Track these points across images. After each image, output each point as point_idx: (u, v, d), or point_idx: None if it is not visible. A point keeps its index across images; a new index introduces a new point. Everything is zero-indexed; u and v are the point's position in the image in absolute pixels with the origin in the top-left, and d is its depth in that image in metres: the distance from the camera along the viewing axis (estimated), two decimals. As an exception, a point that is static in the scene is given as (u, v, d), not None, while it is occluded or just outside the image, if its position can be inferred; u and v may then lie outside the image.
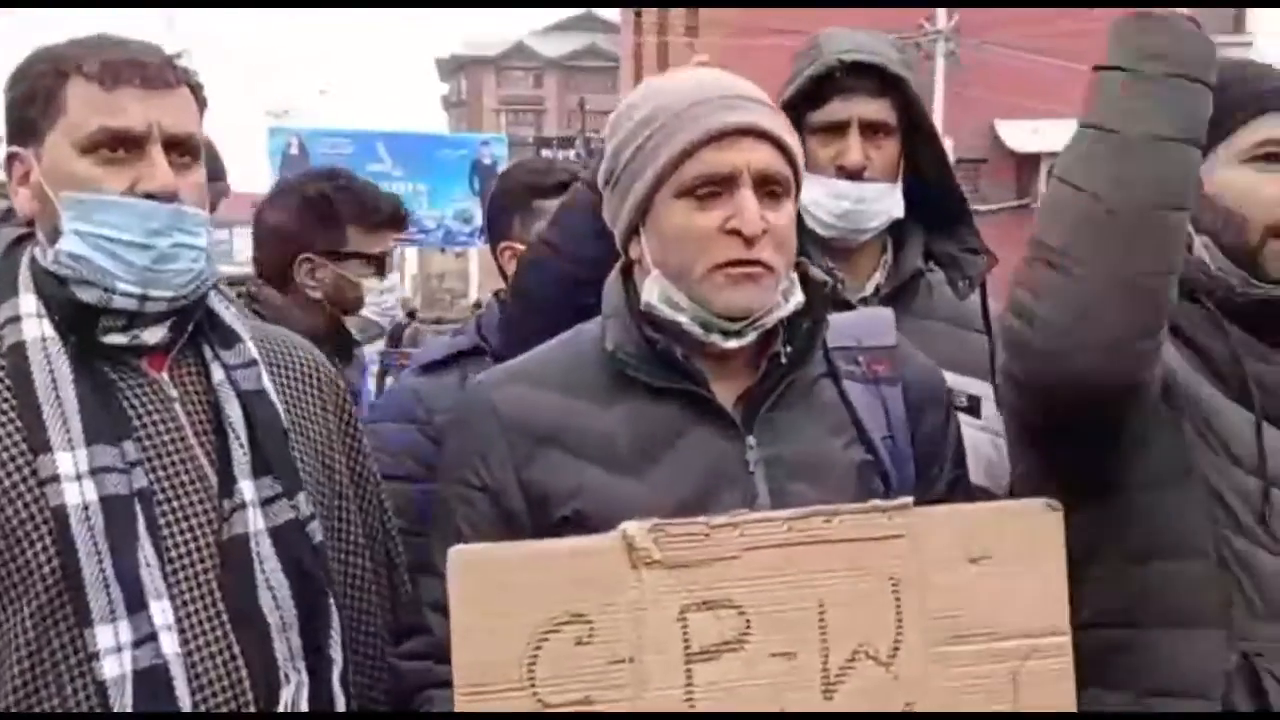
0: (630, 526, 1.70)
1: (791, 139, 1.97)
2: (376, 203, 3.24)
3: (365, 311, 3.18)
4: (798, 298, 1.98)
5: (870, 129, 2.65)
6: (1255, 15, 20.63)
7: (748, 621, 1.69)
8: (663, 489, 1.88)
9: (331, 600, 1.99)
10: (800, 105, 2.67)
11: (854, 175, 2.63)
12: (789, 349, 1.99)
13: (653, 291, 1.96)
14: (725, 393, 1.97)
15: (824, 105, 2.65)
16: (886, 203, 2.66)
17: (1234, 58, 2.33)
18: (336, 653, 1.98)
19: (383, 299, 3.21)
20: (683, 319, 1.94)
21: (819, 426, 1.99)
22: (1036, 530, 1.79)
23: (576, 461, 1.93)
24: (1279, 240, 2.14)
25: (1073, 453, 2.07)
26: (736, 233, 1.90)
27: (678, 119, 1.93)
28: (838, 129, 2.65)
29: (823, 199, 2.65)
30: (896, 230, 2.72)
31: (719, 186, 1.92)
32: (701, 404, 1.95)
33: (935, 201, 2.71)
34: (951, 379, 2.54)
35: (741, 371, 1.99)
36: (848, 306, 2.58)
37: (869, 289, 2.70)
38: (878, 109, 2.65)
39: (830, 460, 1.97)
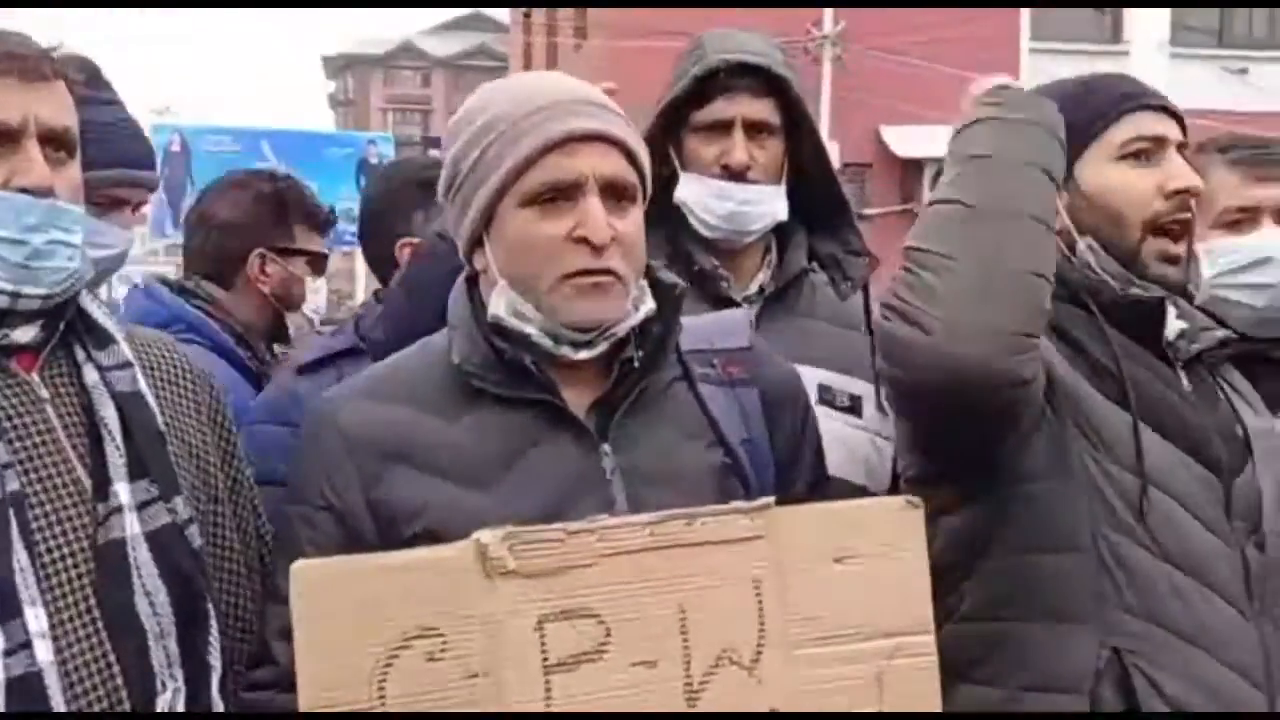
0: (484, 535, 1.65)
1: (638, 144, 1.95)
2: (318, 203, 3.34)
3: (304, 309, 3.25)
4: (648, 304, 1.95)
5: (754, 129, 2.64)
6: (1131, 25, 21.13)
7: (607, 630, 1.66)
8: (514, 501, 1.84)
9: (210, 606, 1.93)
10: (684, 105, 2.66)
11: (738, 175, 2.63)
12: (641, 354, 1.95)
13: (499, 304, 1.91)
14: (578, 401, 1.94)
15: (708, 104, 2.65)
16: (771, 204, 2.66)
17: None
18: (215, 660, 1.92)
19: (316, 298, 3.28)
20: (531, 330, 1.90)
21: (675, 431, 1.96)
22: (898, 527, 1.78)
23: (425, 477, 1.88)
24: (1157, 238, 2.18)
25: (961, 451, 2.07)
26: (584, 241, 1.87)
27: (520, 125, 1.89)
28: (721, 128, 2.64)
29: (707, 199, 2.65)
30: (780, 231, 2.72)
31: (564, 194, 1.88)
32: (553, 413, 1.92)
33: (818, 203, 2.72)
34: (833, 379, 2.56)
35: (594, 378, 1.95)
36: (732, 305, 2.58)
37: (753, 289, 2.69)
38: (761, 109, 2.65)
39: (688, 465, 1.94)
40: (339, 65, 71.97)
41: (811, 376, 2.49)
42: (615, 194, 1.90)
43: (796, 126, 2.69)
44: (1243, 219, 2.63)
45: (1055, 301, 2.17)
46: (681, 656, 1.69)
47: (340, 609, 1.62)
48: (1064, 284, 2.18)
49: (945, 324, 1.92)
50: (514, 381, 1.91)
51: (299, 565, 1.64)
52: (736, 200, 2.64)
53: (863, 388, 2.59)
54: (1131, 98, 2.24)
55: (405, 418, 1.91)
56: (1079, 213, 2.21)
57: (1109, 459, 2.08)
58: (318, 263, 3.29)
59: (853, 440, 2.58)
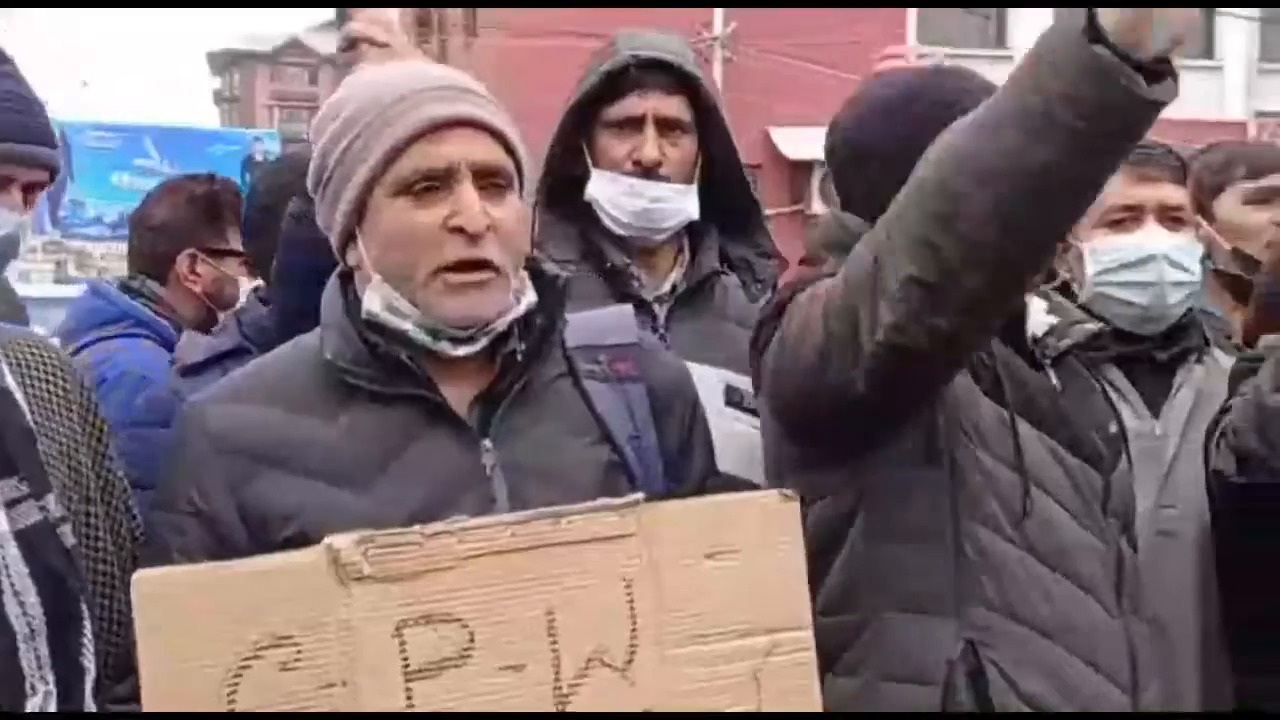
0: (336, 540, 1.57)
1: (511, 129, 1.90)
2: None
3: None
4: (530, 297, 1.91)
5: (666, 126, 2.62)
6: (1015, 31, 21.50)
7: (471, 635, 1.59)
8: (391, 501, 1.78)
9: (84, 607, 1.85)
10: (595, 101, 2.64)
11: (649, 171, 2.60)
12: (523, 347, 1.90)
13: (374, 300, 1.85)
14: (458, 396, 1.88)
15: (619, 101, 2.62)
16: (683, 202, 2.64)
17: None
18: (89, 662, 1.84)
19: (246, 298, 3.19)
20: (408, 326, 1.85)
21: (559, 427, 1.92)
22: (774, 521, 1.74)
23: (298, 479, 1.81)
24: None
25: (837, 435, 2.05)
26: (460, 230, 1.81)
27: (385, 114, 1.83)
28: (633, 124, 2.62)
29: (618, 196, 2.62)
30: (693, 231, 2.71)
31: (437, 182, 1.82)
32: (432, 409, 1.86)
33: (729, 204, 2.71)
34: (740, 380, 2.53)
35: (474, 373, 1.90)
36: (644, 304, 2.54)
37: (665, 288, 2.67)
38: (673, 106, 2.63)
39: (572, 461, 1.90)
40: (225, 61, 70.89)
41: (719, 378, 2.51)
42: (489, 180, 1.85)
43: (708, 127, 2.68)
44: (1126, 218, 2.66)
45: None
46: (550, 659, 1.63)
47: (185, 620, 1.54)
48: None
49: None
50: (390, 377, 1.85)
51: (138, 576, 1.56)
52: (648, 197, 2.62)
53: None
54: (955, 103, 2.22)
55: (276, 418, 1.85)
56: None
57: (986, 452, 2.06)
58: (250, 264, 3.26)
59: (757, 442, 2.55)
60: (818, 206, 19.29)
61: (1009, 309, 1.96)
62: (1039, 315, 2.22)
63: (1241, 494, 2.19)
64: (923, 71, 2.34)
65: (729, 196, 2.72)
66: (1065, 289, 2.68)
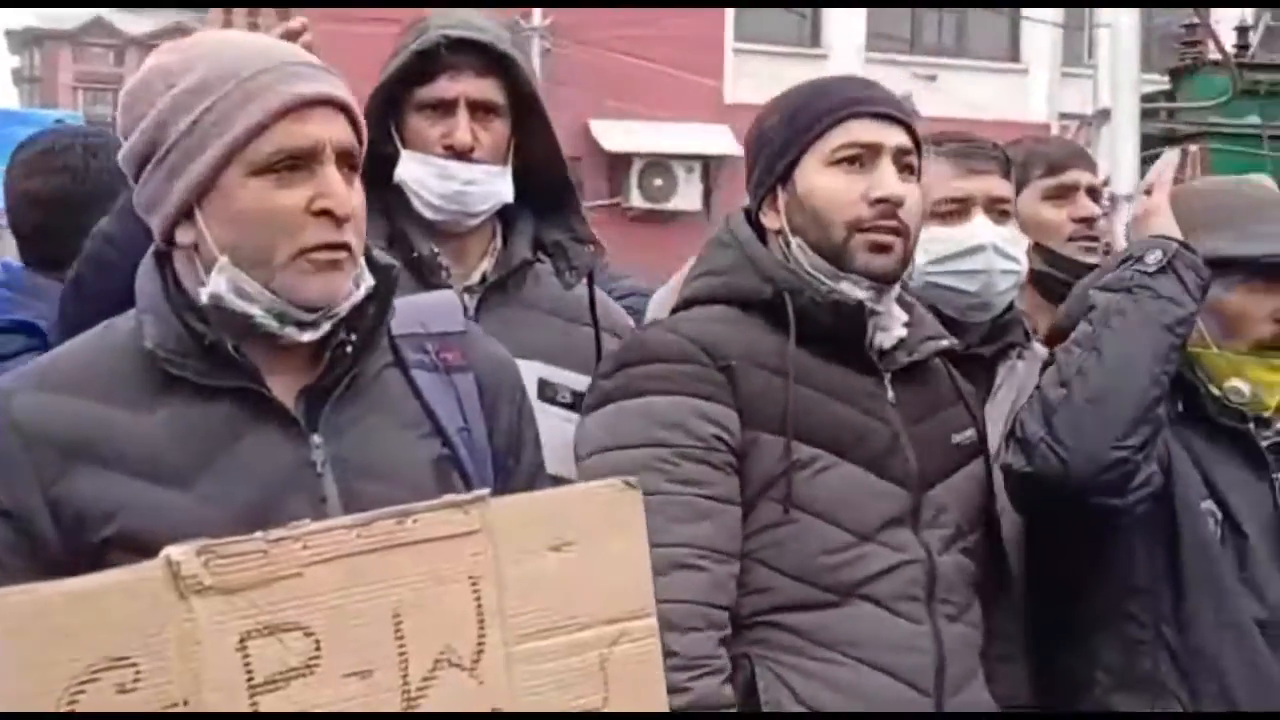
0: (175, 551, 1.50)
1: (359, 112, 1.84)
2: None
3: None
4: (368, 282, 1.84)
5: (479, 108, 2.55)
6: (829, 30, 21.90)
7: (317, 643, 1.55)
8: (217, 499, 1.71)
9: None
10: (405, 82, 2.54)
11: (462, 155, 2.52)
12: (354, 337, 1.84)
13: (219, 281, 1.76)
14: (284, 388, 1.81)
15: (430, 82, 2.53)
16: (496, 185, 2.56)
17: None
18: None
19: None
20: (255, 311, 1.76)
21: (389, 420, 1.87)
22: (617, 510, 1.74)
23: (115, 476, 1.71)
24: (862, 234, 2.22)
25: None
26: (325, 213, 1.75)
27: (247, 87, 1.74)
28: (445, 107, 2.54)
29: (429, 179, 2.53)
30: (505, 217, 2.63)
31: (300, 163, 1.75)
32: (258, 402, 1.78)
33: (545, 189, 2.64)
34: (554, 373, 2.49)
35: (302, 364, 1.83)
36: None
37: (474, 277, 2.59)
38: (486, 88, 2.55)
39: (404, 456, 1.85)
40: (24, 40, 67.98)
41: (532, 370, 2.43)
42: (346, 163, 1.80)
43: (523, 109, 2.61)
44: (955, 209, 2.72)
45: (751, 315, 2.19)
46: (398, 663, 1.60)
47: (7, 650, 1.43)
48: (770, 281, 2.22)
49: None
50: (214, 368, 1.77)
51: None
52: (461, 180, 2.53)
53: (584, 383, 2.53)
54: (853, 103, 2.27)
55: (89, 410, 1.74)
56: (794, 214, 2.25)
57: (763, 485, 2.13)
58: None
59: (571, 437, 2.53)
60: (636, 199, 19.38)
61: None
62: (894, 326, 2.27)
63: (1031, 486, 2.25)
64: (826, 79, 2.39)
65: (544, 181, 2.64)
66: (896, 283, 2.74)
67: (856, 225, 2.22)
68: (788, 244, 2.26)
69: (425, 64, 2.53)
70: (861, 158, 2.23)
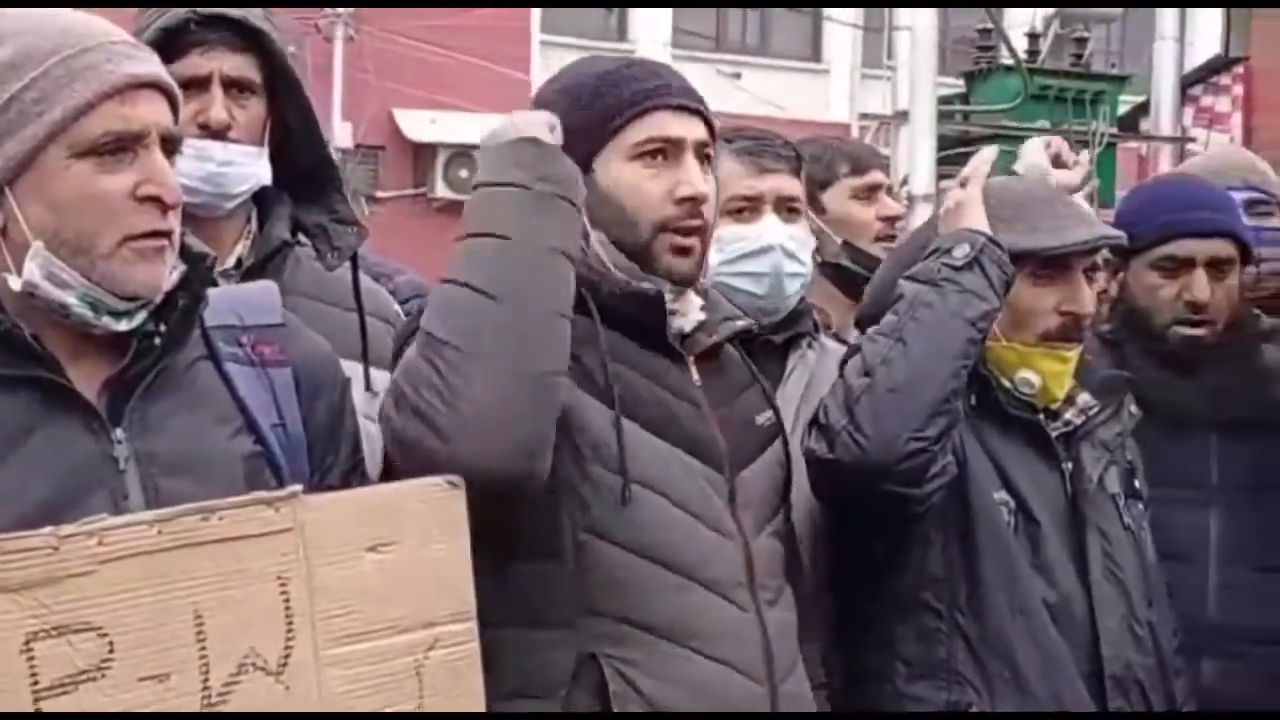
0: None
1: (179, 95, 1.77)
2: None
3: None
4: (180, 269, 1.77)
5: (233, 86, 2.42)
6: (635, 25, 22.05)
7: (110, 644, 1.46)
8: (10, 496, 1.61)
9: None
10: None
11: (218, 134, 2.39)
12: (164, 328, 1.76)
13: (32, 269, 1.67)
14: (86, 380, 1.72)
15: (181, 59, 2.36)
16: (255, 166, 2.44)
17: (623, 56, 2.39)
18: None
19: None
20: (71, 300, 1.68)
21: (199, 415, 1.78)
22: (437, 510, 1.69)
23: None
24: (667, 234, 2.17)
25: None
26: (153, 200, 1.68)
27: (71, 65, 1.66)
28: (197, 84, 2.38)
29: (184, 161, 2.34)
30: (261, 200, 2.50)
31: (125, 147, 1.68)
32: (58, 394, 1.68)
33: (304, 169, 2.52)
34: None
35: (106, 355, 1.74)
36: (211, 282, 2.37)
37: (230, 262, 2.45)
38: (241, 64, 2.42)
39: (213, 452, 1.77)
40: None
41: None
42: (167, 148, 1.72)
43: (279, 86, 2.48)
44: (747, 208, 2.71)
45: None
46: (198, 666, 1.52)
47: None
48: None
49: (462, 431, 1.87)
50: (10, 358, 1.67)
51: None
52: (217, 161, 2.39)
53: (350, 368, 2.44)
54: (655, 94, 2.20)
55: None
56: (595, 208, 2.16)
57: (594, 461, 2.05)
58: None
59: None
60: (441, 190, 19.19)
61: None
62: (692, 311, 2.23)
63: (831, 472, 2.27)
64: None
65: (302, 161, 2.52)
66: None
67: (663, 225, 2.18)
68: (585, 237, 2.17)
69: (173, 40, 2.39)
70: (665, 151, 2.18)
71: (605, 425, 2.06)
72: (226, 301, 1.89)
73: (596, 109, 2.18)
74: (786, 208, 2.74)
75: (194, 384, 1.81)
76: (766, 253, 2.70)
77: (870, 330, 2.38)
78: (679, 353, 2.21)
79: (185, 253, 1.80)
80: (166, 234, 1.72)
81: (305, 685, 1.58)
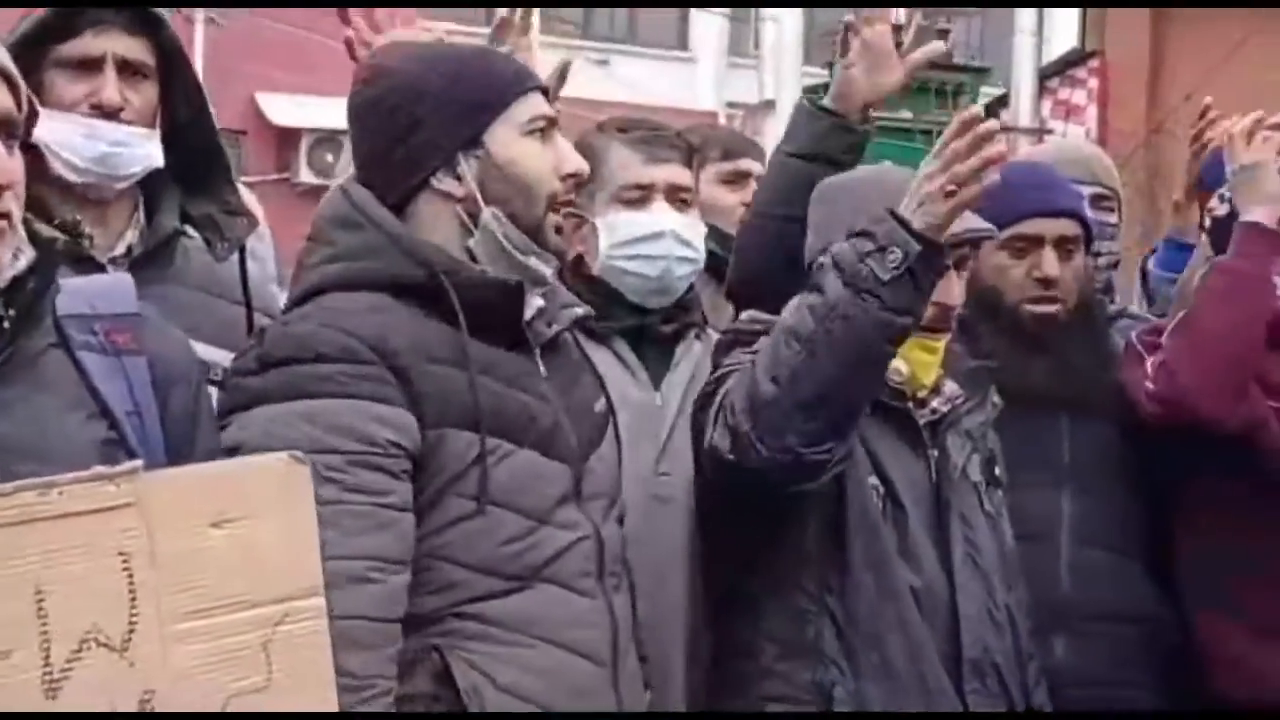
0: None
1: (19, 77, 1.74)
2: None
3: None
4: (29, 254, 1.74)
5: (126, 68, 2.38)
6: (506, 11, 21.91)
7: (-57, 623, 1.44)
8: None
9: None
10: (45, 38, 2.36)
11: (110, 115, 2.36)
12: (13, 314, 1.72)
13: None
14: None
15: (74, 39, 2.35)
16: (147, 148, 2.40)
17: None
18: None
19: None
20: None
21: (52, 401, 1.76)
22: (284, 485, 1.68)
23: None
24: (553, 212, 2.20)
25: None
26: None
27: None
28: (90, 65, 2.36)
29: (75, 139, 2.35)
30: (150, 188, 2.47)
31: None
32: None
33: (194, 158, 2.49)
34: (208, 352, 2.34)
35: None
36: (98, 268, 2.32)
37: (120, 249, 2.42)
38: (134, 47, 2.39)
39: (66, 438, 1.74)
40: None
41: None
42: (4, 131, 1.70)
43: (171, 70, 2.45)
44: (638, 196, 2.75)
45: (404, 301, 2.12)
46: (39, 644, 1.50)
47: None
48: (422, 263, 2.13)
49: None
50: None
51: None
52: (108, 141, 2.36)
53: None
54: (529, 76, 2.26)
55: None
56: (491, 182, 2.17)
57: (451, 488, 2.06)
58: None
59: None
60: (305, 175, 18.91)
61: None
62: (534, 299, 2.23)
63: (731, 471, 2.29)
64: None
65: (192, 148, 2.49)
66: (578, 263, 2.74)
67: (553, 201, 2.20)
68: (474, 214, 2.18)
69: (66, 20, 2.36)
70: (545, 131, 2.21)
71: (468, 451, 2.06)
72: (80, 291, 1.86)
73: (484, 84, 2.19)
74: (678, 198, 2.78)
75: (45, 370, 1.78)
76: (658, 238, 2.73)
77: (784, 319, 2.30)
78: (529, 344, 2.21)
79: (34, 238, 1.77)
80: (2, 216, 1.68)
81: (150, 661, 1.57)
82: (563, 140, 2.24)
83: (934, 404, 2.53)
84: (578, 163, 2.23)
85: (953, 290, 2.48)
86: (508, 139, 2.18)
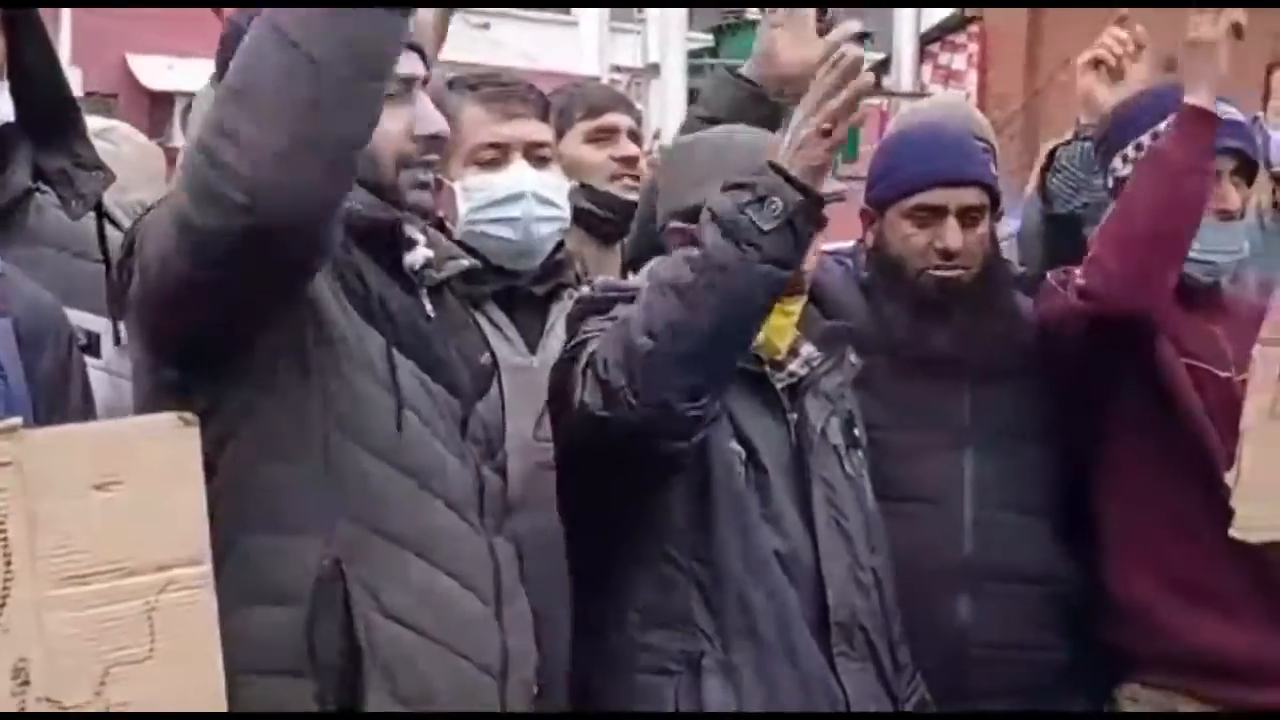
0: None
1: None
2: None
3: None
4: None
5: None
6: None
7: None
8: None
9: None
10: None
11: None
12: None
13: None
14: None
15: None
16: None
17: None
18: None
19: None
20: None
21: None
22: (171, 448, 1.62)
23: None
24: (409, 170, 2.14)
25: (212, 351, 1.94)
26: None
27: None
28: None
29: None
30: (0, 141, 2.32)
31: None
32: None
33: (43, 110, 2.35)
34: (75, 316, 2.26)
35: None
36: None
37: None
38: None
39: None
40: None
41: None
42: None
43: (18, 23, 2.31)
44: (495, 156, 2.66)
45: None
46: (-94, 610, 1.44)
47: None
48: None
49: (266, 178, 1.78)
50: None
51: None
52: None
53: (100, 323, 2.31)
54: None
55: None
56: None
57: (362, 373, 2.02)
58: None
59: (93, 381, 2.31)
60: (179, 140, 18.51)
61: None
62: (419, 248, 2.19)
63: (602, 429, 2.24)
64: None
65: (42, 101, 2.35)
66: (440, 227, 2.67)
67: (405, 161, 2.14)
68: None
69: None
70: (400, 93, 2.13)
71: (372, 344, 2.03)
72: None
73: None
74: (536, 155, 2.69)
75: None
76: (517, 200, 2.65)
77: (659, 273, 2.27)
78: (414, 284, 2.18)
79: None
80: None
81: (26, 627, 1.51)
82: (424, 99, 2.17)
83: (792, 367, 2.50)
84: (438, 123, 2.16)
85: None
86: None
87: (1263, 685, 2.72)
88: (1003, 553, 2.81)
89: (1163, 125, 2.78)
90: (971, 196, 2.88)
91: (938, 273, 2.85)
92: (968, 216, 2.87)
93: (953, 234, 2.83)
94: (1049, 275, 2.89)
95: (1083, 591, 2.86)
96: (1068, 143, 3.13)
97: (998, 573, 2.80)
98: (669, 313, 2.18)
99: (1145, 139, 2.84)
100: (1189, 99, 2.70)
